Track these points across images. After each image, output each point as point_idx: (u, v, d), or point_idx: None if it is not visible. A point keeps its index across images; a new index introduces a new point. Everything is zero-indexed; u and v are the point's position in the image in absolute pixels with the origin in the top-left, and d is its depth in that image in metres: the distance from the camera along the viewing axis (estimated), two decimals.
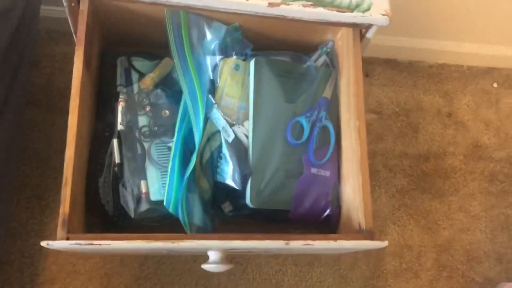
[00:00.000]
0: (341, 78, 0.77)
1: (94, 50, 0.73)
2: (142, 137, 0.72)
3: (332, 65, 0.79)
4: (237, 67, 0.76)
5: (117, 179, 0.70)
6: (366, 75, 1.53)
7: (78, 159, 0.63)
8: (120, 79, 0.74)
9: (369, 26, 0.72)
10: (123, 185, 0.69)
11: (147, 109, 0.74)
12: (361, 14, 0.68)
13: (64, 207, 0.61)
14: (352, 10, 0.68)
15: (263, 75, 0.75)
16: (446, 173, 1.42)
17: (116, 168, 0.69)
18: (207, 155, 0.72)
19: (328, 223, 0.74)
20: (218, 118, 0.72)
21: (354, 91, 0.70)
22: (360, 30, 0.73)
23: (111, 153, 0.70)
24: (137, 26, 0.75)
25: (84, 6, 0.68)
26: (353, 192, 0.69)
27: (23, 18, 0.99)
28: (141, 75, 0.76)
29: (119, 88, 0.73)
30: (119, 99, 0.73)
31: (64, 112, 1.26)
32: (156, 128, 0.73)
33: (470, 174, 1.42)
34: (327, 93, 0.76)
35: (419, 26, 1.44)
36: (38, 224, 1.17)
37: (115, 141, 0.70)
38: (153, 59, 0.78)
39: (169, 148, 0.71)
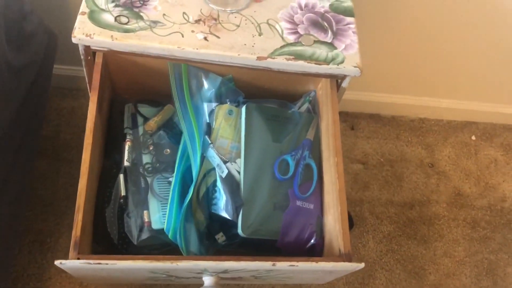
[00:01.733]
0: (322, 121, 0.88)
1: (105, 96, 0.84)
2: (145, 173, 0.80)
3: (314, 111, 0.90)
4: (230, 112, 0.87)
5: (122, 210, 0.77)
6: (352, 128, 1.63)
7: (89, 190, 0.72)
8: (127, 122, 0.84)
9: (344, 77, 0.83)
10: (128, 215, 0.77)
11: (151, 148, 0.83)
12: (336, 66, 0.80)
13: (76, 231, 0.68)
14: (328, 63, 0.80)
15: (253, 118, 0.85)
16: (430, 220, 1.48)
17: (121, 200, 0.77)
18: (203, 190, 0.81)
19: (313, 252, 0.81)
20: (214, 156, 0.81)
21: (332, 132, 0.80)
22: (336, 80, 0.85)
23: (118, 187, 0.78)
24: (143, 77, 0.86)
25: (99, 59, 0.79)
26: (333, 221, 0.77)
27: (39, 73, 1.10)
28: (146, 119, 0.85)
29: (126, 130, 0.83)
30: (126, 139, 0.82)
31: (69, 161, 1.37)
32: (158, 164, 0.82)
33: (453, 221, 1.49)
34: (310, 135, 0.86)
35: (401, 83, 1.56)
36: (39, 267, 1.23)
37: (121, 176, 0.79)
38: (156, 106, 0.88)
39: (170, 182, 0.80)
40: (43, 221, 1.31)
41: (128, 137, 0.81)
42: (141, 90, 0.87)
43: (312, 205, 0.81)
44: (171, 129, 0.85)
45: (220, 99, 0.87)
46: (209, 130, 0.84)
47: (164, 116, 0.86)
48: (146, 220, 0.76)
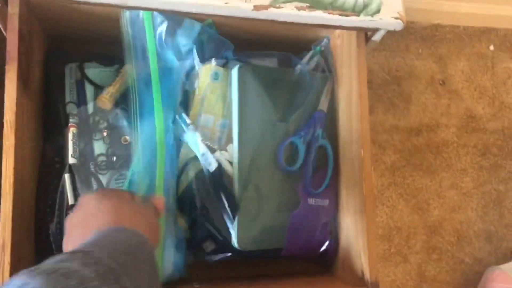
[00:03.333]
0: (339, 87, 0.64)
1: (34, 57, 0.58)
2: (98, 170, 0.59)
3: (328, 69, 0.66)
4: (215, 76, 0.62)
5: None
6: None
7: (17, 216, 0.50)
8: (69, 95, 0.59)
9: (376, 29, 0.58)
10: None
11: (105, 133, 0.60)
12: (369, 18, 0.54)
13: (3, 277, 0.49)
14: (358, 13, 0.54)
15: (249, 86, 0.61)
16: (438, 148, 1.35)
17: (70, 211, 0.57)
18: (183, 185, 0.60)
19: (325, 258, 0.64)
20: (196, 143, 0.59)
21: (357, 110, 0.58)
22: (365, 32, 0.60)
23: (63, 193, 0.57)
24: (87, 25, 0.59)
25: (13, 9, 0.52)
26: (355, 231, 0.59)
27: None
28: (97, 88, 0.60)
29: (68, 108, 0.59)
30: (69, 123, 0.58)
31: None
32: (114, 158, 0.59)
33: (462, 148, 1.36)
34: (323, 105, 0.63)
35: None
36: None
37: (67, 177, 0.57)
38: (110, 64, 0.63)
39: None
40: None
41: (71, 120, 0.57)
42: (86, 39, 0.60)
43: (327, 201, 0.62)
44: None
45: (202, 55, 0.61)
46: (185, 102, 0.60)
47: (122, 83, 0.60)
48: None
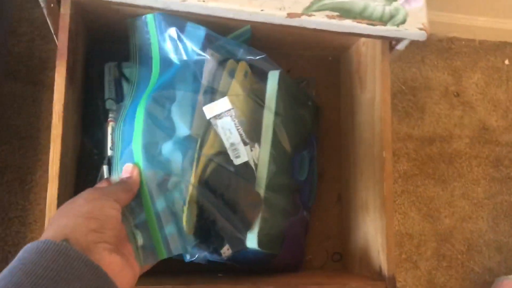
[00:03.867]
0: (362, 92, 0.68)
1: (78, 56, 0.62)
2: None
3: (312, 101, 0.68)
4: (246, 74, 0.65)
5: None
6: None
7: (62, 200, 0.54)
8: (108, 91, 0.63)
9: (400, 39, 0.62)
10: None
11: None
12: (395, 28, 0.58)
13: None
14: (385, 23, 0.58)
15: (283, 92, 0.63)
16: (451, 158, 1.37)
17: None
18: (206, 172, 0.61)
19: (298, 267, 0.65)
20: (231, 129, 0.59)
21: (379, 114, 0.61)
22: (390, 41, 0.63)
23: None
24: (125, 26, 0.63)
25: (66, 9, 0.56)
26: (374, 229, 0.62)
27: None
28: (129, 82, 0.64)
29: (108, 104, 0.63)
30: (108, 118, 0.62)
31: (47, 86, 1.17)
32: None
33: (475, 159, 1.38)
34: (315, 131, 0.66)
35: None
36: (22, 210, 1.09)
37: (105, 168, 0.61)
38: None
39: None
40: (22, 157, 1.15)
41: (110, 115, 0.60)
42: (126, 38, 0.64)
43: (309, 217, 0.64)
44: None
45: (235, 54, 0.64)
46: (210, 90, 0.60)
47: None
48: None
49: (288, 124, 0.64)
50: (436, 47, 1.47)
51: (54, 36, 0.62)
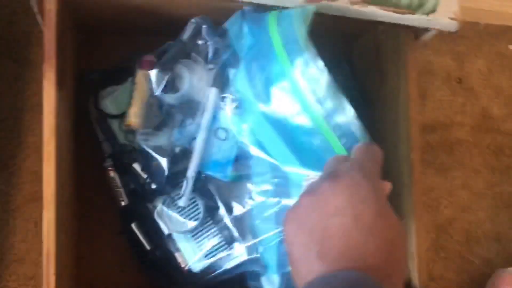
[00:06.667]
0: (382, 84, 0.62)
1: (67, 56, 0.54)
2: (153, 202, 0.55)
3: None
4: None
5: None
6: None
7: (60, 223, 0.48)
8: (100, 134, 0.56)
9: (428, 29, 0.56)
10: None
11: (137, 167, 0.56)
12: (425, 17, 0.52)
13: None
14: (413, 11, 0.52)
15: None
16: (451, 146, 1.33)
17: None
18: None
19: None
20: None
21: (404, 111, 0.55)
22: (415, 32, 0.57)
23: None
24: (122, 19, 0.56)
25: (50, 4, 0.48)
26: None
27: None
28: (121, 117, 0.55)
29: (104, 148, 0.55)
30: (108, 168, 0.55)
31: (31, 63, 1.10)
32: (154, 186, 0.55)
33: (476, 148, 1.35)
34: None
35: None
36: (4, 196, 1.04)
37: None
38: (121, 80, 0.57)
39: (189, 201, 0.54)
40: (2, 139, 1.09)
41: (108, 162, 0.53)
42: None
43: None
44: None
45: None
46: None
47: (142, 95, 0.55)
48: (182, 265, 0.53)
49: None
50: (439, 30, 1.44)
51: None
